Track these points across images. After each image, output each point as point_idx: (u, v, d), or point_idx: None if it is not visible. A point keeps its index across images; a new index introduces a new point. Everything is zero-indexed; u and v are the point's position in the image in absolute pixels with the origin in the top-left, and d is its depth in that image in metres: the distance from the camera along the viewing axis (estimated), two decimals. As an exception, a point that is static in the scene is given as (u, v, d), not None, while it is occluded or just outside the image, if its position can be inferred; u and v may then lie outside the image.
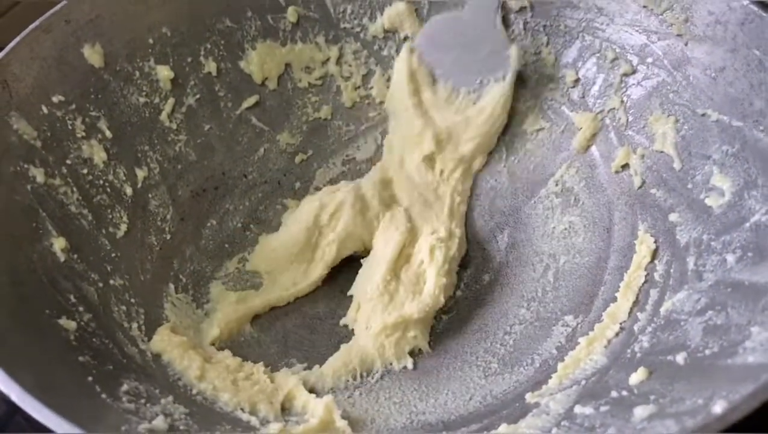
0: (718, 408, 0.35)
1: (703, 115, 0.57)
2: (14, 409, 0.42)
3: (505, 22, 0.67)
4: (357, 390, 0.55)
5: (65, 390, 0.42)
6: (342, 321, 0.59)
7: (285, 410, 0.52)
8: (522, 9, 0.67)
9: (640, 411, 0.41)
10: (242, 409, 0.50)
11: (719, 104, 0.56)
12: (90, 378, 0.45)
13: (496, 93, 0.65)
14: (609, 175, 0.63)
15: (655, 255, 0.56)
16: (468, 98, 0.66)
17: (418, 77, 0.67)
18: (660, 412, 0.40)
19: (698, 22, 0.57)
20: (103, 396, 0.44)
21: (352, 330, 0.58)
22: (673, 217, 0.57)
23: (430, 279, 0.57)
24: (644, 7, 0.61)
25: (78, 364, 0.46)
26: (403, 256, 0.60)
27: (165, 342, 0.53)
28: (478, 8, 0.64)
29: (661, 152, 0.59)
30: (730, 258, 0.50)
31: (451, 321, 0.60)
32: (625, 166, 0.62)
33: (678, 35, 0.59)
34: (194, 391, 0.51)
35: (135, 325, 0.54)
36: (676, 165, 0.58)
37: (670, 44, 0.60)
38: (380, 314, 0.56)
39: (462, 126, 0.65)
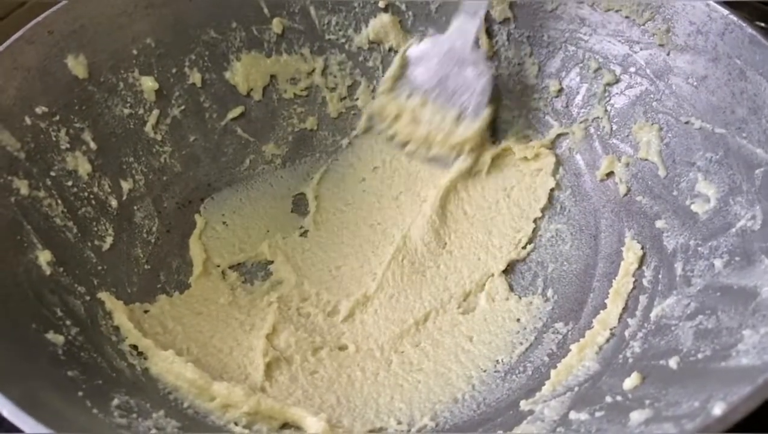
0: (718, 409, 0.36)
1: (687, 123, 0.58)
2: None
3: (489, 34, 0.68)
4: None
5: (55, 405, 0.41)
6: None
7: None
8: (505, 20, 0.67)
9: (637, 416, 0.42)
10: (236, 423, 0.50)
11: (702, 112, 0.57)
12: (80, 393, 0.44)
13: (471, 129, 0.66)
14: (594, 183, 0.63)
15: (642, 261, 0.57)
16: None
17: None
18: (656, 416, 0.41)
19: (680, 32, 0.59)
20: (95, 411, 0.43)
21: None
22: (659, 223, 0.57)
23: None
24: (626, 17, 0.62)
25: (67, 379, 0.45)
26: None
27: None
28: (461, 31, 0.64)
29: (646, 160, 0.60)
30: (718, 263, 0.51)
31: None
32: (610, 174, 0.63)
33: (660, 45, 0.60)
34: (186, 405, 0.50)
35: (123, 339, 0.53)
36: (661, 172, 0.59)
37: (652, 54, 0.61)
38: None
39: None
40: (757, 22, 0.73)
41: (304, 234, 0.66)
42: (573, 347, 0.54)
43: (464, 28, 0.64)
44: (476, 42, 0.65)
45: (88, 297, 0.54)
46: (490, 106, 0.65)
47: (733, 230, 0.51)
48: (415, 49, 0.67)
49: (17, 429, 0.38)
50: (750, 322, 0.44)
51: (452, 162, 0.66)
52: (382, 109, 0.68)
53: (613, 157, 0.62)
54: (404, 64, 0.67)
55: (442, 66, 0.65)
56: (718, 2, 0.55)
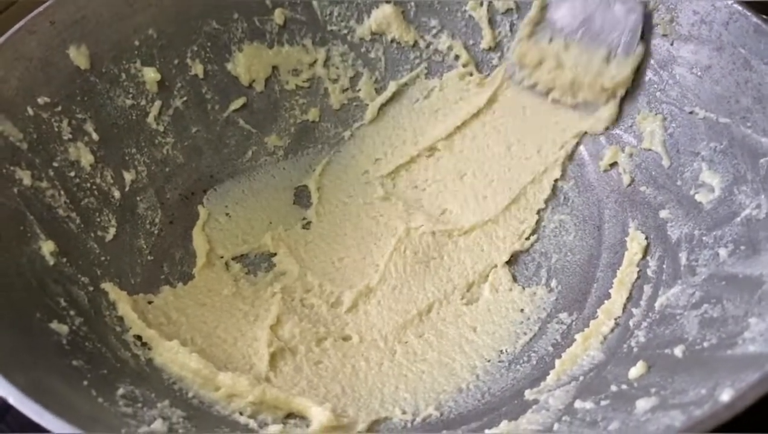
0: (726, 396, 0.36)
1: (691, 112, 0.57)
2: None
3: (492, 25, 0.68)
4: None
5: (61, 393, 0.41)
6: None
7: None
8: (508, 10, 0.67)
9: (643, 404, 0.42)
10: (241, 413, 0.50)
11: (706, 102, 0.56)
12: (85, 382, 0.44)
13: (624, 69, 0.61)
14: (598, 174, 0.63)
15: (646, 251, 0.57)
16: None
17: None
18: (663, 404, 0.41)
19: (683, 21, 0.58)
20: (100, 400, 0.43)
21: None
22: (663, 213, 0.57)
23: None
24: (630, 7, 0.62)
25: (72, 369, 0.45)
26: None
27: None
28: None
29: (650, 150, 0.60)
30: (723, 252, 0.50)
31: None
32: (614, 165, 0.62)
33: (664, 35, 0.60)
34: (190, 394, 0.50)
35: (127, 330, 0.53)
36: (665, 162, 0.59)
37: (656, 44, 0.60)
38: None
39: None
40: (764, 16, 0.73)
41: (306, 225, 0.65)
42: (577, 337, 0.54)
43: None
44: None
45: (91, 288, 0.54)
46: (642, 44, 0.60)
47: (738, 219, 0.51)
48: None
49: (22, 429, 0.37)
50: (756, 310, 0.43)
51: (601, 106, 0.62)
52: (522, 56, 0.64)
53: (616, 148, 0.62)
54: (544, 6, 0.64)
55: (586, 4, 0.61)
56: (721, -8, 0.55)
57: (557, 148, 0.64)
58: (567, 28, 0.62)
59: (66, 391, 0.42)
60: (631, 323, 0.53)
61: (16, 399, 0.37)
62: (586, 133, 0.64)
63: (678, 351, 0.46)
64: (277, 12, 0.68)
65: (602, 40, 0.60)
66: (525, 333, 0.57)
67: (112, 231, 0.58)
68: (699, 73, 0.57)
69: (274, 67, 0.69)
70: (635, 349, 0.50)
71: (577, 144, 0.64)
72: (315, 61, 0.70)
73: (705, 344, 0.45)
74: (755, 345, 0.40)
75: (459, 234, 0.63)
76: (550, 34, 0.63)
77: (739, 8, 0.55)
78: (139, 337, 0.53)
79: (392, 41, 0.70)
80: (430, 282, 0.61)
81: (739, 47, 0.54)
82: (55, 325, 0.47)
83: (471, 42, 0.69)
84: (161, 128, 0.64)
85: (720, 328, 0.45)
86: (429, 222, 0.64)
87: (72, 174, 0.57)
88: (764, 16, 0.72)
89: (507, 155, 0.66)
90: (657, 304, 0.52)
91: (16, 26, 0.56)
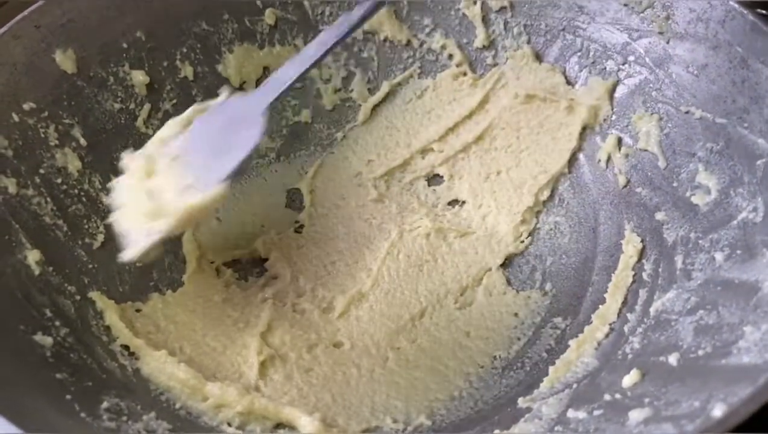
0: (718, 411, 0.35)
1: (687, 112, 0.56)
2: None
3: (486, 23, 0.67)
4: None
5: (42, 410, 0.41)
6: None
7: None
8: (502, 9, 0.66)
9: (636, 415, 0.41)
10: (229, 423, 0.49)
11: (702, 101, 0.55)
12: (68, 396, 0.44)
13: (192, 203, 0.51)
14: (593, 175, 0.62)
15: (642, 254, 0.56)
16: None
17: None
18: (656, 416, 0.40)
19: (679, 19, 0.57)
20: (83, 414, 0.43)
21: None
22: (659, 215, 0.56)
23: None
24: (625, 5, 0.61)
25: (55, 382, 0.44)
26: None
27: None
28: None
29: (646, 150, 0.59)
30: (719, 256, 0.50)
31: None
32: (609, 162, 0.61)
33: (659, 33, 0.59)
34: (177, 406, 0.50)
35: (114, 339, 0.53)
36: (661, 163, 0.58)
37: (651, 42, 0.59)
38: None
39: None
40: (759, 10, 0.72)
41: (299, 229, 0.65)
42: (572, 343, 0.53)
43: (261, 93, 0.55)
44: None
45: (78, 297, 0.53)
46: (223, 185, 0.51)
47: (735, 222, 0.50)
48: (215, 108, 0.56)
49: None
50: (751, 318, 0.43)
51: (141, 235, 0.51)
52: (131, 162, 0.55)
53: (614, 142, 0.61)
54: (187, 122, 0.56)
55: (211, 133, 0.55)
56: (718, -11, 0.54)
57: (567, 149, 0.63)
58: (187, 147, 0.54)
59: (47, 408, 0.41)
60: (625, 328, 0.52)
61: (-5, 420, 0.36)
62: (585, 129, 0.63)
63: (672, 358, 0.45)
64: (268, 12, 0.67)
65: (197, 172, 0.52)
66: (519, 338, 0.56)
67: (100, 238, 0.57)
68: (695, 72, 0.56)
69: (265, 68, 0.68)
70: (630, 356, 0.49)
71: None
72: (307, 61, 0.69)
73: (700, 352, 0.44)
74: (749, 356, 0.40)
75: (456, 235, 0.62)
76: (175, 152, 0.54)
77: (736, 6, 0.54)
78: (126, 347, 0.52)
79: (385, 40, 0.69)
80: (423, 286, 0.60)
81: (735, 46, 0.53)
82: (39, 337, 0.47)
83: (464, 41, 0.68)
84: (151, 132, 0.63)
85: (715, 336, 0.44)
86: (427, 219, 0.62)
87: (59, 180, 0.57)
88: (763, 12, 0.71)
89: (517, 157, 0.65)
90: (652, 309, 0.51)
91: (0, 31, 0.55)
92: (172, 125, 0.56)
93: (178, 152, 0.53)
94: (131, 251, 0.50)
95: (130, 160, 0.54)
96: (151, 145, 0.55)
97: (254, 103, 0.54)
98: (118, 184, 0.54)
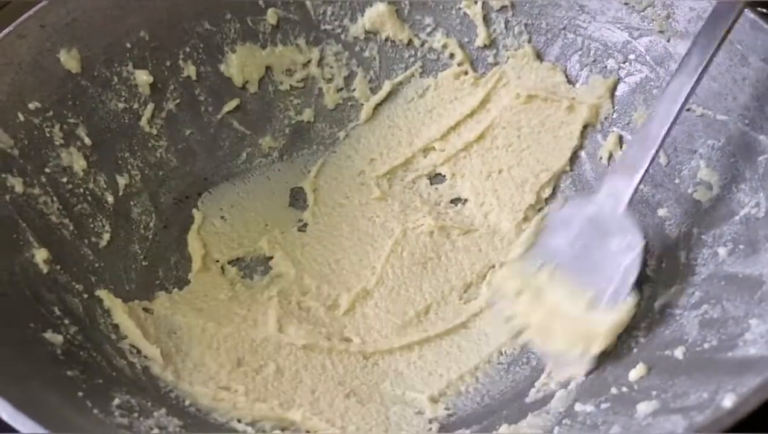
0: (728, 401, 0.35)
1: (688, 110, 0.57)
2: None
3: (486, 22, 0.67)
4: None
5: (56, 406, 0.41)
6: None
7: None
8: (503, 8, 0.67)
9: (644, 407, 0.41)
10: (239, 420, 0.49)
11: (703, 99, 0.56)
12: (80, 393, 0.44)
13: (605, 321, 0.50)
14: (595, 173, 0.63)
15: (645, 250, 0.56)
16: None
17: None
18: (664, 408, 0.40)
19: (680, 18, 0.58)
20: (95, 411, 0.43)
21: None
22: (661, 212, 0.57)
23: None
24: (626, 4, 0.61)
25: (67, 379, 0.44)
26: None
27: None
28: (612, 192, 0.53)
29: (647, 148, 0.60)
30: (722, 251, 0.50)
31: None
32: (611, 159, 0.62)
33: (660, 31, 0.59)
34: (187, 403, 0.50)
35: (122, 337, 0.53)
36: (663, 160, 0.58)
37: (652, 40, 0.60)
38: None
39: None
40: (760, 9, 0.72)
41: (302, 228, 0.65)
42: None
43: (616, 189, 0.52)
44: (627, 208, 0.52)
45: (86, 295, 0.53)
46: (635, 294, 0.50)
47: (737, 218, 0.51)
48: (559, 213, 0.56)
49: (13, 429, 0.37)
50: (756, 311, 0.43)
51: (575, 361, 0.50)
52: (504, 282, 0.55)
53: (615, 140, 0.62)
54: (540, 230, 0.56)
55: (582, 234, 0.53)
56: (718, -13, 0.55)
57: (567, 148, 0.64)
58: (558, 256, 0.54)
59: (60, 403, 0.41)
60: (630, 323, 0.52)
61: (10, 415, 0.37)
62: (586, 127, 0.63)
63: (678, 352, 0.45)
64: (270, 12, 0.67)
65: (590, 281, 0.51)
66: (524, 333, 0.57)
67: (106, 237, 0.58)
68: (696, 70, 0.57)
69: (268, 68, 0.68)
70: (635, 350, 0.49)
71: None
72: (309, 61, 0.69)
73: (705, 345, 0.44)
74: (756, 348, 0.40)
75: (459, 233, 0.63)
76: (541, 261, 0.54)
77: (736, 4, 0.54)
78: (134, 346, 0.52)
79: (386, 40, 0.69)
80: (428, 284, 0.60)
81: (736, 43, 0.54)
82: (49, 335, 0.47)
83: (466, 40, 0.68)
84: (154, 131, 0.63)
85: (720, 329, 0.45)
86: (430, 217, 0.63)
87: (64, 180, 0.57)
88: (764, 10, 0.72)
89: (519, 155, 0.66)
90: (656, 304, 0.52)
91: (5, 30, 0.55)
92: (517, 247, 0.56)
93: (554, 264, 0.53)
94: (573, 373, 0.50)
95: (505, 278, 0.55)
96: (507, 271, 0.56)
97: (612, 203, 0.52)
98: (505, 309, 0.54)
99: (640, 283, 0.51)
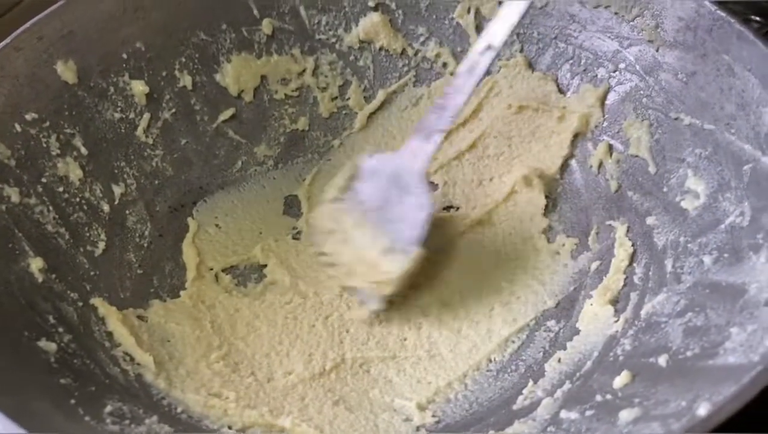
0: (703, 410, 0.36)
1: (676, 119, 0.58)
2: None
3: (479, 31, 0.68)
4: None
5: (48, 414, 0.42)
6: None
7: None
8: (495, 17, 0.67)
9: (626, 415, 0.42)
10: (229, 427, 0.50)
11: (691, 108, 0.57)
12: (72, 401, 0.44)
13: (397, 267, 0.56)
14: (585, 181, 0.63)
15: (633, 258, 0.57)
16: None
17: None
18: (645, 415, 0.41)
19: (668, 28, 0.58)
20: (87, 418, 0.44)
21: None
22: (650, 220, 0.57)
23: None
24: (615, 14, 0.62)
25: (60, 387, 0.45)
26: None
27: None
28: (414, 153, 0.58)
29: (636, 156, 0.60)
30: (707, 259, 0.51)
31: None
32: (601, 168, 0.63)
33: (649, 41, 0.60)
34: (179, 409, 0.51)
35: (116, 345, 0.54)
36: (651, 169, 0.59)
37: (641, 50, 0.61)
38: None
39: None
40: (753, 16, 0.73)
41: (297, 235, 0.66)
42: (567, 345, 0.54)
43: (418, 150, 0.58)
44: (423, 172, 0.58)
45: (80, 304, 0.54)
46: (421, 248, 0.56)
47: (722, 226, 0.51)
48: (368, 161, 0.60)
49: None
50: (738, 320, 0.44)
51: (373, 300, 0.57)
52: (320, 220, 0.60)
53: (605, 148, 0.62)
54: (353, 175, 0.60)
55: (388, 186, 0.58)
56: (711, -3, 0.55)
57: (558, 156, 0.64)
58: (366, 203, 0.59)
59: (53, 412, 0.42)
60: (617, 331, 0.53)
61: (3, 425, 0.37)
62: (577, 135, 0.64)
63: (662, 360, 0.46)
64: (265, 22, 0.68)
65: (390, 229, 0.57)
66: (513, 341, 0.57)
67: (102, 245, 0.59)
68: (684, 79, 0.57)
69: (263, 77, 0.69)
70: (621, 358, 0.50)
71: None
72: (304, 70, 0.70)
73: (688, 353, 0.45)
74: (735, 356, 0.41)
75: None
76: (351, 204, 0.59)
77: (723, 15, 0.55)
78: (128, 353, 0.53)
79: (380, 49, 0.70)
80: (420, 291, 0.61)
81: (723, 54, 0.55)
82: (43, 343, 0.48)
83: (459, 49, 0.69)
84: (150, 141, 0.64)
85: (703, 337, 0.45)
86: None
87: (61, 189, 0.58)
88: (757, 19, 0.73)
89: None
90: (643, 312, 0.52)
91: (2, 43, 0.56)
92: (330, 189, 0.60)
93: (362, 210, 0.58)
94: (369, 309, 0.58)
95: (321, 217, 0.59)
96: (323, 209, 0.60)
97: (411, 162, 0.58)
98: (317, 221, 0.59)
99: (426, 241, 0.57)
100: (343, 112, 0.71)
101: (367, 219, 0.58)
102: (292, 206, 0.68)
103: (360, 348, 0.57)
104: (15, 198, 0.54)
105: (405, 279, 0.57)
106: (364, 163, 0.60)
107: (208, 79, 0.67)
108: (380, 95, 0.70)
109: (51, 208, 0.56)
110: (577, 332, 0.55)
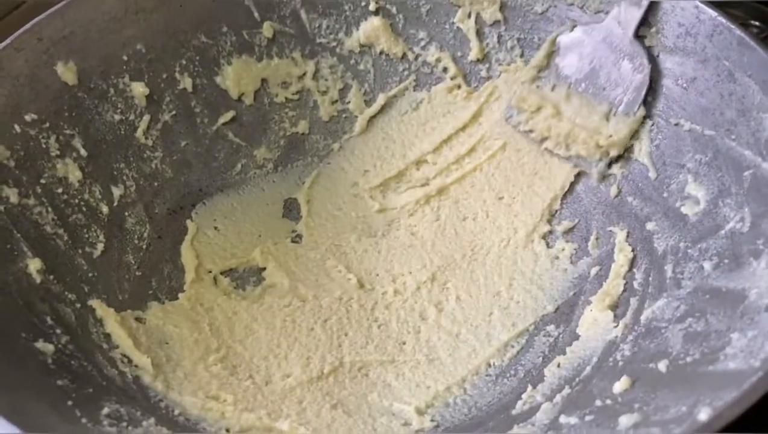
0: (704, 415, 0.36)
1: (676, 124, 0.58)
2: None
3: (479, 36, 0.68)
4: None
5: (44, 415, 0.42)
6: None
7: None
8: (496, 22, 0.67)
9: (625, 420, 0.42)
10: (227, 430, 0.50)
11: (691, 114, 0.57)
12: (69, 402, 0.44)
13: (622, 128, 0.59)
14: (585, 186, 0.63)
15: (633, 263, 0.57)
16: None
17: None
18: (645, 421, 0.41)
19: (669, 34, 0.59)
20: (84, 420, 0.43)
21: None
22: (650, 225, 0.57)
23: None
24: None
25: (57, 388, 0.45)
26: None
27: None
28: (621, 18, 0.59)
29: (636, 161, 0.60)
30: (707, 265, 0.51)
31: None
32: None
33: (650, 47, 0.60)
34: (177, 412, 0.50)
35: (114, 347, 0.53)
36: (652, 174, 0.59)
37: (642, 56, 0.61)
38: None
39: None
40: (753, 21, 0.73)
41: (296, 239, 0.66)
42: (566, 350, 0.54)
43: (626, 15, 0.59)
44: (637, 33, 0.59)
45: (78, 305, 0.54)
46: (643, 108, 0.59)
47: (722, 232, 0.51)
48: (566, 36, 0.62)
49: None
50: (738, 325, 0.44)
51: (595, 165, 0.61)
52: (521, 100, 0.63)
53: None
54: (551, 53, 0.63)
55: (595, 56, 0.60)
56: (709, 2, 0.55)
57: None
58: (572, 77, 0.62)
59: (49, 413, 0.42)
60: (617, 336, 0.53)
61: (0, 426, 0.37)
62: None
63: (662, 365, 0.46)
64: (266, 25, 0.68)
65: (605, 95, 0.60)
66: (512, 346, 0.57)
67: (100, 247, 0.58)
68: (684, 85, 0.57)
69: (264, 80, 0.69)
70: (621, 363, 0.50)
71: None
72: (304, 74, 0.70)
73: (688, 359, 0.45)
74: (735, 362, 0.41)
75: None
76: (553, 81, 0.63)
77: (723, 20, 0.55)
78: (125, 355, 0.53)
79: (381, 53, 0.70)
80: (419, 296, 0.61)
81: (723, 60, 0.55)
82: (40, 345, 0.47)
83: (459, 54, 0.69)
84: (150, 142, 0.64)
85: (703, 343, 0.45)
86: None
87: (60, 190, 0.57)
88: (757, 24, 0.73)
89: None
90: (643, 317, 0.52)
91: (3, 44, 0.56)
92: (528, 70, 0.64)
93: (568, 84, 0.62)
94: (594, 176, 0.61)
95: (523, 98, 0.63)
96: (523, 90, 0.63)
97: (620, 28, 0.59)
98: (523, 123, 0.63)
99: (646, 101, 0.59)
100: (344, 115, 0.71)
101: (577, 90, 0.61)
102: (291, 209, 0.68)
103: (359, 352, 0.57)
104: (14, 198, 0.54)
105: (627, 141, 0.59)
106: (561, 39, 0.62)
107: (209, 81, 0.67)
108: (380, 99, 0.70)
109: (50, 208, 0.56)
110: (577, 337, 0.55)
